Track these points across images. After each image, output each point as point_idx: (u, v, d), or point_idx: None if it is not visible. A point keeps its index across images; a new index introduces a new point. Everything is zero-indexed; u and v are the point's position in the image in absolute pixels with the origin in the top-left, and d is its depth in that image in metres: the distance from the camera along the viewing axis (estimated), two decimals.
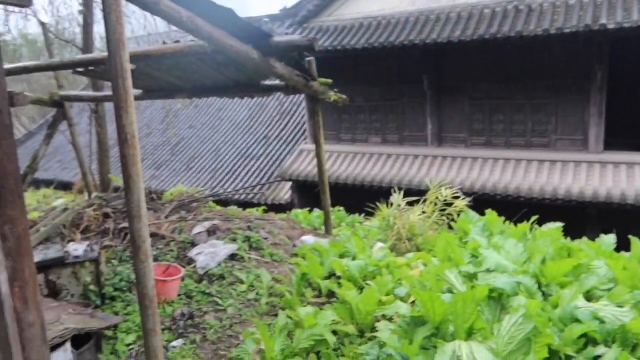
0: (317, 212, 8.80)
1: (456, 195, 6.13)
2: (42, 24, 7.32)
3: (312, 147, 13.92)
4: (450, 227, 6.03)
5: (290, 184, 13.71)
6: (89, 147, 10.02)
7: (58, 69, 5.87)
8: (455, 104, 12.21)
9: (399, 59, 12.23)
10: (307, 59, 5.58)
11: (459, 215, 5.98)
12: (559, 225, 5.25)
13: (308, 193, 12.47)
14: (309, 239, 5.94)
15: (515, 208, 7.85)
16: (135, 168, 2.54)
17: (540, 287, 3.85)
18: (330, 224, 6.50)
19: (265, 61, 4.46)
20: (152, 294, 2.63)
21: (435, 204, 6.11)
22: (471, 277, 4.01)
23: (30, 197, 13.65)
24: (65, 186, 16.17)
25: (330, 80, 5.90)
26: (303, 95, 14.78)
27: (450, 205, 6.07)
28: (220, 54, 4.67)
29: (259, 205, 11.73)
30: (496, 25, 10.22)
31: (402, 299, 3.96)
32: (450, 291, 3.78)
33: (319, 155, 6.29)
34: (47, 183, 16.65)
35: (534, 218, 5.59)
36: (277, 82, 5.96)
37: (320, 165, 6.28)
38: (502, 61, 11.19)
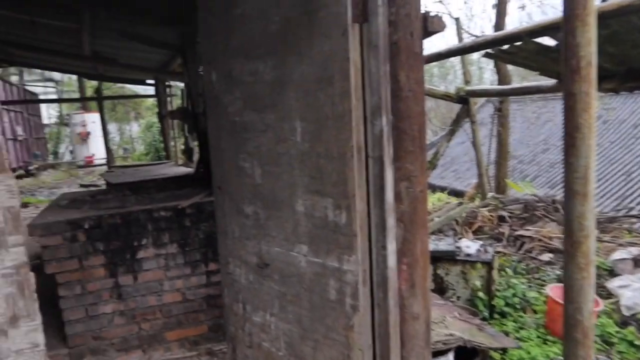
0: None
1: None
2: (456, 19, 7.31)
3: None
4: None
5: None
6: (487, 156, 9.62)
7: (469, 51, 5.47)
8: None
9: None
10: None
11: None
12: None
13: None
14: None
15: None
16: (586, 115, 1.60)
17: None
18: None
19: None
20: (588, 324, 1.64)
21: None
22: None
23: None
24: (457, 194, 16.63)
25: None
26: None
27: None
28: None
29: None
30: None
31: None
32: None
33: None
34: (441, 189, 17.57)
35: None
36: None
37: None
38: None
